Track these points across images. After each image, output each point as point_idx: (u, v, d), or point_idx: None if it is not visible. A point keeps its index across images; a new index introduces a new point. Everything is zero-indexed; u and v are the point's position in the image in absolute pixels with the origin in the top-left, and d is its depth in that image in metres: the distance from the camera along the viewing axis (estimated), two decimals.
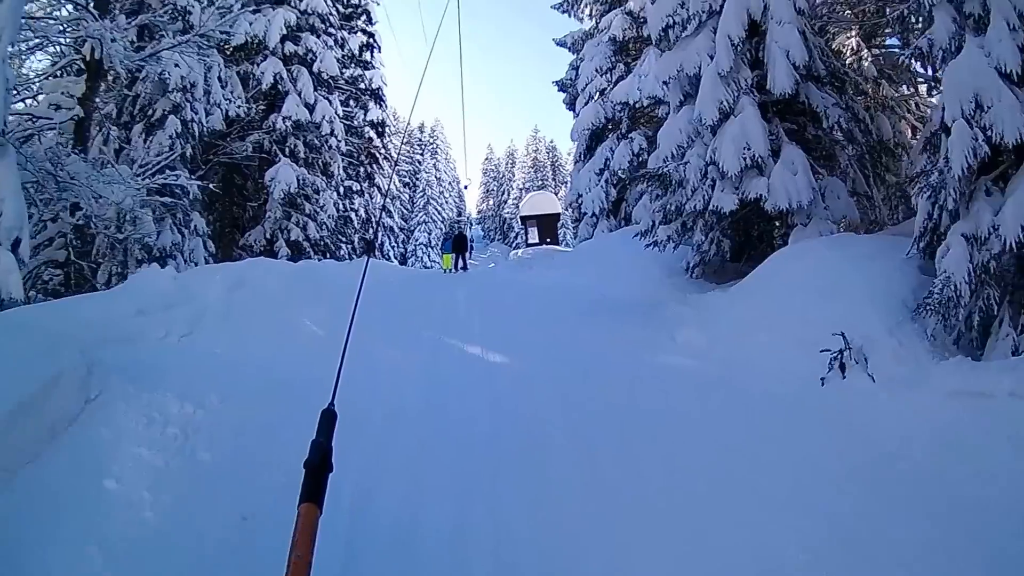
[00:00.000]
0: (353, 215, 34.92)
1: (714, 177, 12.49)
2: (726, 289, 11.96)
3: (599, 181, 26.07)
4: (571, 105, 30.07)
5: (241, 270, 12.96)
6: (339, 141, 29.93)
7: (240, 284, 11.52)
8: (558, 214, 51.68)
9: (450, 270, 29.14)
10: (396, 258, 65.30)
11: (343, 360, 2.27)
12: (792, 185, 11.66)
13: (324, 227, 29.18)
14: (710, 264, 13.85)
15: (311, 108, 28.39)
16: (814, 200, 11.82)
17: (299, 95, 28.17)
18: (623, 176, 25.58)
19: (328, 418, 1.91)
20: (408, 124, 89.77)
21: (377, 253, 46.46)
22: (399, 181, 78.97)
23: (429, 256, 76.31)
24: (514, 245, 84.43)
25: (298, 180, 27.12)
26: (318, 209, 28.78)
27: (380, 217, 47.56)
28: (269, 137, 27.58)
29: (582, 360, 9.47)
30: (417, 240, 77.53)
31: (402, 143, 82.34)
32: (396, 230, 56.40)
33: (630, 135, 25.16)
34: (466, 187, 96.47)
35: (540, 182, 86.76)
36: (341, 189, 34.07)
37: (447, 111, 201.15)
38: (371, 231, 42.09)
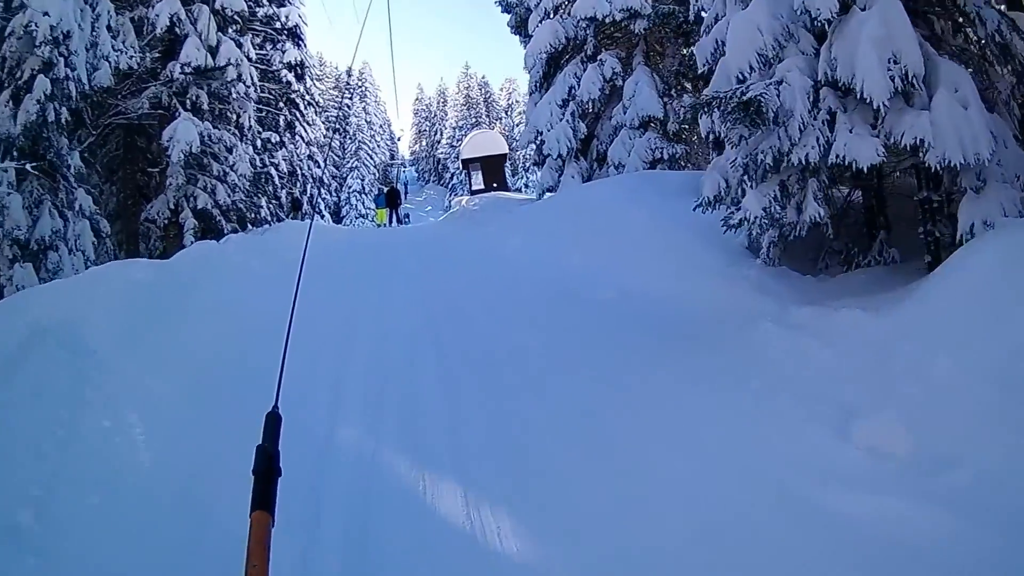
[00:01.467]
0: (273, 170, 29.36)
1: (832, 107, 7.31)
2: (867, 306, 6.63)
3: (563, 115, 20.37)
4: (519, 29, 24.20)
5: (49, 302, 7.10)
6: (249, 87, 24.02)
7: (36, 338, 6.17)
8: (505, 154, 44.37)
9: (384, 224, 30.15)
10: (329, 208, 59.85)
11: (285, 353, 1.94)
12: (966, 126, 6.52)
13: (237, 189, 23.63)
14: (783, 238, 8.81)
15: (214, 51, 22.48)
16: (994, 152, 6.65)
17: (199, 37, 22.32)
18: (591, 108, 20.36)
19: (272, 421, 1.72)
20: (350, 69, 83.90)
21: (307, 208, 40.89)
22: (328, 127, 72.93)
23: (363, 203, 71.33)
24: (451, 187, 79.44)
25: (202, 137, 21.51)
26: (228, 169, 23.20)
27: (321, 173, 41.79)
28: (168, 89, 21.81)
29: (678, 520, 4.29)
30: (350, 187, 72.11)
31: (344, 88, 76.27)
32: (327, 180, 50.27)
33: (599, 58, 19.79)
34: (399, 138, 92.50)
35: (474, 119, 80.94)
36: (258, 142, 28.48)
37: (374, 52, 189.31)
38: (299, 190, 36.56)
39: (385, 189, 35.81)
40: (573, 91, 20.04)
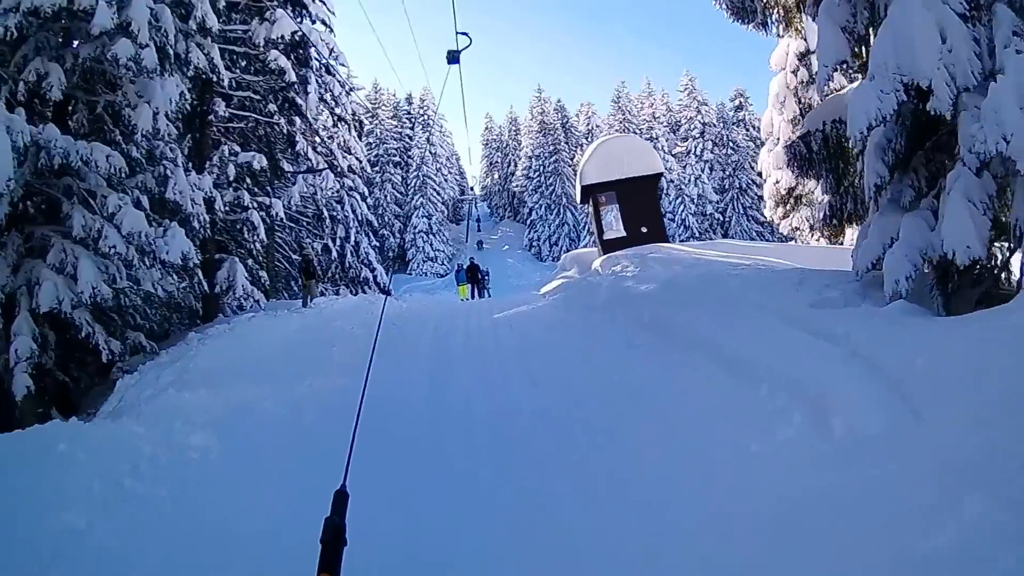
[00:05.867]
0: (255, 215, 16.26)
1: None
2: None
3: None
4: None
5: None
6: (145, 46, 10.78)
7: None
8: (659, 175, 24.07)
9: (466, 299, 26.99)
10: (384, 254, 47.44)
11: (353, 444, 2.15)
12: None
13: (135, 265, 10.63)
14: None
15: None
16: None
17: None
18: None
19: (340, 498, 1.83)
20: (438, 105, 71.91)
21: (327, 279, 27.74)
22: (386, 159, 60.97)
23: (431, 244, 59.18)
24: (529, 223, 66.36)
25: (30, 149, 8.98)
26: (106, 224, 10.33)
27: (364, 214, 29.01)
28: None
29: None
30: (416, 228, 59.88)
31: (442, 112, 64.11)
32: (375, 223, 37.35)
33: None
34: (472, 188, 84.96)
35: (552, 146, 67.41)
36: (230, 169, 15.64)
37: (435, 79, 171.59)
38: (327, 238, 23.70)
39: (466, 265, 31.01)
40: None
